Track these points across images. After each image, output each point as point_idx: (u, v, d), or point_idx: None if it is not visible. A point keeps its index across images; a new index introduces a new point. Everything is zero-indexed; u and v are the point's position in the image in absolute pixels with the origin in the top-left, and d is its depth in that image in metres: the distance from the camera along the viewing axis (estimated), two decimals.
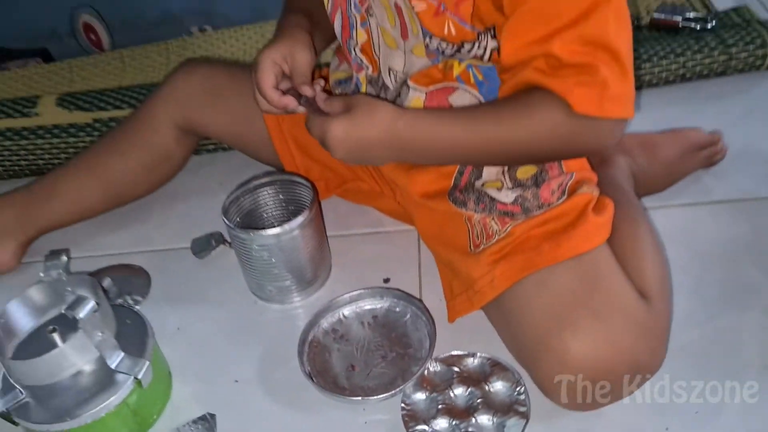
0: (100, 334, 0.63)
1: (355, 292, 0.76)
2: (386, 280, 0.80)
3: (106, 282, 0.82)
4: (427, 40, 0.67)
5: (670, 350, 0.65)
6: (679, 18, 1.04)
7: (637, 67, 0.96)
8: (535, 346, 0.61)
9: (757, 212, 0.81)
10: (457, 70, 0.69)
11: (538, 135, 0.63)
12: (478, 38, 0.65)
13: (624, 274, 0.63)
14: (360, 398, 0.66)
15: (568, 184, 0.68)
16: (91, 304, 0.61)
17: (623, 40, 0.59)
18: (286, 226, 0.73)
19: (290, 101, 0.69)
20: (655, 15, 1.07)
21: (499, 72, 0.66)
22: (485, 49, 0.66)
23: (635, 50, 0.96)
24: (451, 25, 0.64)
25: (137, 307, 0.81)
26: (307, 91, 0.68)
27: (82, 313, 0.61)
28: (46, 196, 0.87)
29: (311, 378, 0.68)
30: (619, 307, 0.61)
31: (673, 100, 0.98)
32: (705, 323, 0.70)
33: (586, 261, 0.63)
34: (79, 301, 0.61)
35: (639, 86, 0.99)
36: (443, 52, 0.67)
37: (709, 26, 1.03)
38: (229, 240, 0.83)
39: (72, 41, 1.25)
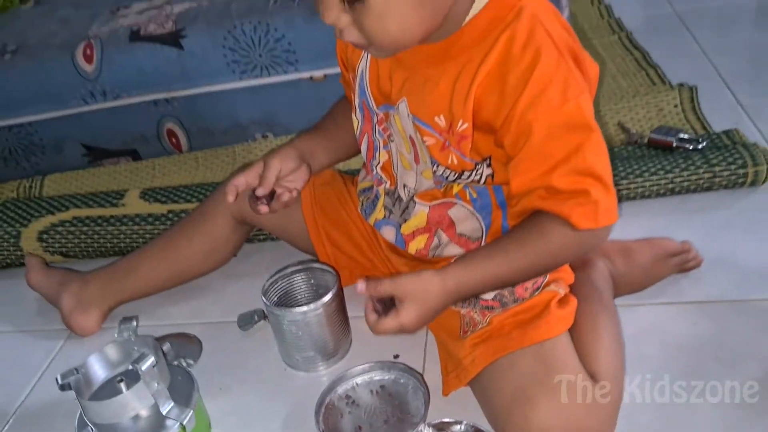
0: (156, 385, 0.80)
1: (367, 365, 0.90)
2: (396, 356, 0.94)
3: (166, 346, 0.99)
4: (434, 167, 0.82)
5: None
6: (672, 139, 1.19)
7: (631, 181, 1.12)
8: (504, 418, 0.75)
9: (723, 313, 0.92)
10: (456, 189, 0.85)
11: (554, 253, 0.77)
12: (476, 167, 0.80)
13: (578, 360, 0.77)
14: None
15: (542, 284, 0.83)
16: (151, 360, 0.78)
17: (603, 164, 0.74)
18: (312, 306, 0.90)
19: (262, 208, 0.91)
20: (652, 135, 1.21)
21: (506, 198, 0.81)
22: (481, 175, 0.81)
23: (631, 165, 1.12)
24: (453, 157, 0.79)
25: (189, 368, 0.98)
26: (259, 191, 0.90)
27: (144, 366, 0.78)
28: (125, 274, 1.06)
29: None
30: (572, 388, 0.74)
31: (662, 211, 1.11)
32: (664, 406, 0.81)
33: (547, 347, 0.77)
34: (142, 357, 0.78)
35: (633, 197, 1.13)
36: (447, 178, 0.82)
37: (699, 146, 1.16)
38: (267, 316, 0.99)
39: (157, 144, 1.48)
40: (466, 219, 0.86)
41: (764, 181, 1.11)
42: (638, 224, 1.05)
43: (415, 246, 0.89)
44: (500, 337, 0.79)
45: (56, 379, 0.79)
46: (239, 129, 1.45)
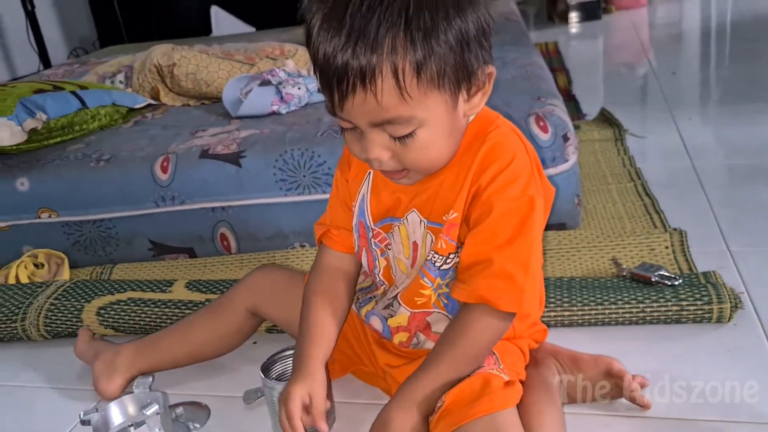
0: (157, 430, 0.97)
1: None
2: None
3: (179, 410, 1.16)
4: (430, 255, 0.97)
5: None
6: (652, 274, 1.31)
7: (606, 307, 1.24)
8: None
9: (667, 430, 1.01)
10: (432, 299, 1.02)
11: (487, 338, 0.95)
12: (457, 250, 0.96)
13: None
14: None
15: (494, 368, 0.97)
16: (155, 408, 0.96)
17: (537, 258, 0.93)
18: None
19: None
20: (635, 270, 1.34)
21: (458, 273, 0.96)
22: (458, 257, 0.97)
23: (608, 293, 1.25)
24: (443, 242, 0.96)
25: (195, 430, 1.14)
26: (323, 427, 0.95)
27: (148, 411, 0.95)
28: (150, 348, 1.25)
29: None
30: None
31: (632, 337, 1.22)
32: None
33: (497, 420, 0.89)
34: (149, 405, 0.96)
35: (607, 322, 1.25)
36: (434, 263, 0.98)
37: (675, 283, 1.28)
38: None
39: (211, 245, 1.72)
40: (440, 321, 1.02)
41: (729, 319, 1.21)
42: (609, 347, 1.15)
43: (399, 339, 1.05)
44: (453, 412, 0.91)
45: (79, 415, 0.98)
46: (281, 237, 1.67)
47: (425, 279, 1.00)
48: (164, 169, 1.67)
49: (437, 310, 1.02)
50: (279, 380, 1.11)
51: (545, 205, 0.95)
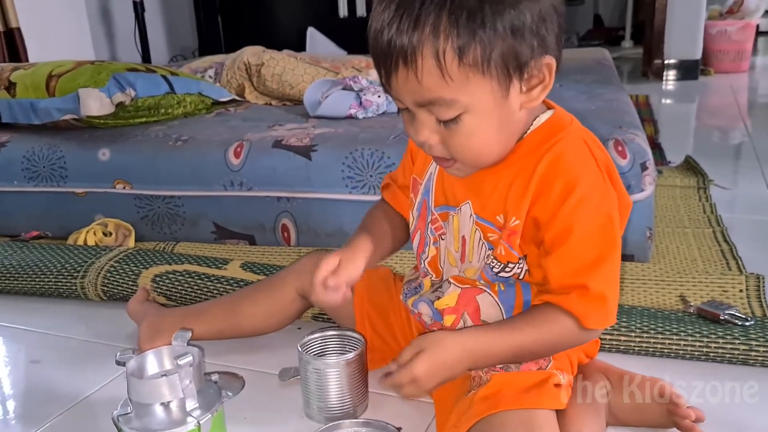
0: (188, 382, 0.96)
1: (361, 419, 1.01)
2: (398, 429, 1.03)
3: (215, 376, 1.15)
4: (487, 258, 0.94)
5: None
6: (721, 312, 1.23)
7: (667, 337, 1.17)
8: None
9: None
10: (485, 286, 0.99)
11: (562, 342, 0.92)
12: (518, 262, 0.93)
13: None
14: None
15: (546, 366, 0.93)
16: (189, 358, 0.95)
17: (617, 277, 0.90)
18: (338, 360, 1.04)
19: (332, 296, 0.98)
20: (702, 306, 1.27)
21: (536, 284, 0.93)
22: (521, 269, 0.92)
23: (671, 324, 1.18)
24: (503, 248, 0.93)
25: (227, 398, 1.13)
26: (336, 297, 0.98)
27: (182, 361, 0.94)
28: (195, 316, 1.25)
29: None
30: None
31: (691, 372, 1.14)
32: None
33: (537, 417, 0.84)
34: (183, 355, 0.95)
35: (668, 354, 1.18)
36: (492, 268, 0.95)
37: (747, 324, 1.20)
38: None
39: (272, 234, 1.73)
40: (490, 307, 0.98)
41: None
42: (667, 379, 1.09)
43: (447, 322, 1.01)
44: (496, 396, 0.87)
45: (116, 355, 0.98)
46: (341, 234, 1.67)
47: (481, 280, 0.97)
48: (237, 155, 1.71)
49: (488, 291, 0.97)
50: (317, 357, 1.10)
51: (621, 217, 0.91)
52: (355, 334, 1.11)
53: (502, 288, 0.97)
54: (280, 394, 1.15)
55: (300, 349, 1.07)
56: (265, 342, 1.30)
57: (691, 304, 1.32)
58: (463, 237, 0.98)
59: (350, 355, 1.05)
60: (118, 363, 0.98)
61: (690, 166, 2.25)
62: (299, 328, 1.35)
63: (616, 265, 0.89)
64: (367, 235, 1.06)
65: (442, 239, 1.01)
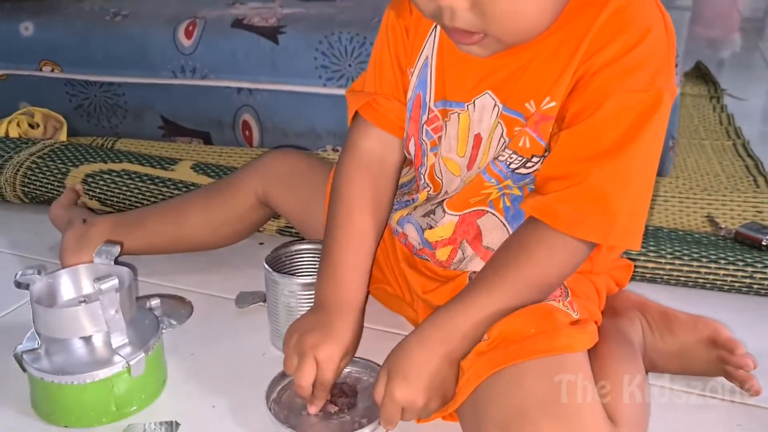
0: (113, 312, 0.73)
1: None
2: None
3: (155, 301, 0.94)
4: (502, 155, 0.73)
5: None
6: (763, 237, 1.04)
7: (703, 265, 0.98)
8: None
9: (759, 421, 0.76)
10: (493, 196, 0.76)
11: (559, 266, 0.70)
12: (544, 153, 0.71)
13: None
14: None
15: (563, 301, 0.72)
16: (113, 282, 0.72)
17: (646, 177, 0.67)
18: (314, 278, 0.82)
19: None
20: (741, 229, 1.07)
21: (537, 182, 0.71)
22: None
23: (708, 250, 0.98)
24: (527, 140, 0.71)
25: (171, 327, 0.91)
26: (312, 409, 0.74)
27: (104, 286, 0.71)
28: (131, 225, 1.01)
29: (272, 411, 0.74)
30: (583, 420, 0.60)
31: (733, 307, 0.96)
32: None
33: (561, 367, 0.64)
34: (105, 277, 0.72)
35: (704, 285, 0.99)
36: (509, 165, 0.73)
37: None
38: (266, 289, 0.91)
39: (230, 132, 1.48)
40: (494, 229, 0.77)
41: None
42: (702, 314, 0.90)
43: (440, 255, 0.81)
44: (508, 347, 0.66)
45: (15, 275, 0.75)
46: (313, 135, 1.43)
47: (490, 179, 0.75)
48: (188, 35, 1.43)
49: (492, 211, 0.77)
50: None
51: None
52: None
53: (509, 204, 0.76)
54: (237, 324, 0.94)
55: (267, 265, 0.85)
56: (219, 259, 1.08)
57: (722, 226, 1.13)
58: (477, 136, 0.75)
59: None
60: (19, 285, 0.75)
61: (700, 73, 2.03)
62: (261, 244, 1.13)
63: (640, 164, 0.67)
64: (357, 270, 0.79)
65: (440, 144, 0.78)
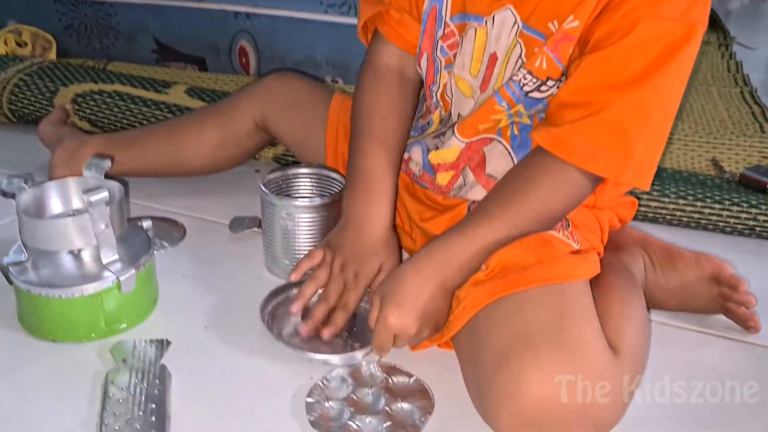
0: (103, 226, 0.71)
1: None
2: None
3: (147, 222, 0.90)
4: (518, 75, 0.70)
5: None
6: (767, 180, 1.02)
7: (707, 205, 0.96)
8: (495, 364, 0.59)
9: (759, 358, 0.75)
10: (502, 123, 0.74)
11: (563, 198, 0.68)
12: (561, 79, 0.68)
13: (599, 323, 0.62)
14: (293, 348, 0.70)
15: (563, 231, 0.70)
16: (104, 194, 0.69)
17: (667, 113, 0.64)
18: (315, 201, 0.81)
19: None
20: (746, 171, 1.05)
21: (549, 111, 0.68)
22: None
23: (712, 192, 0.96)
24: (544, 60, 0.68)
25: (162, 249, 0.89)
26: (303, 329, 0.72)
27: (94, 198, 0.69)
28: (125, 145, 0.98)
29: (266, 324, 0.73)
30: (584, 348, 0.59)
31: (736, 249, 0.94)
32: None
33: (564, 293, 0.63)
34: (96, 190, 0.69)
35: (706, 226, 0.98)
36: (522, 86, 0.70)
37: None
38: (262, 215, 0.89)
39: (227, 59, 1.43)
40: (499, 157, 0.75)
41: None
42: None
43: (441, 180, 0.78)
44: (506, 276, 0.65)
45: (0, 183, 0.72)
46: (312, 64, 1.39)
47: (502, 102, 0.72)
48: None
49: (499, 139, 0.74)
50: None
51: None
52: (333, 173, 0.87)
53: (516, 132, 0.73)
54: (231, 249, 0.92)
55: (264, 188, 0.83)
56: (213, 184, 1.05)
57: (726, 170, 1.11)
58: (493, 55, 0.72)
59: (330, 197, 0.81)
60: (5, 194, 0.72)
61: (710, 20, 1.98)
62: (257, 171, 1.10)
63: (664, 97, 0.64)
64: (383, 193, 0.76)
65: (455, 60, 0.75)
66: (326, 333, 0.71)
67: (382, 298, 0.67)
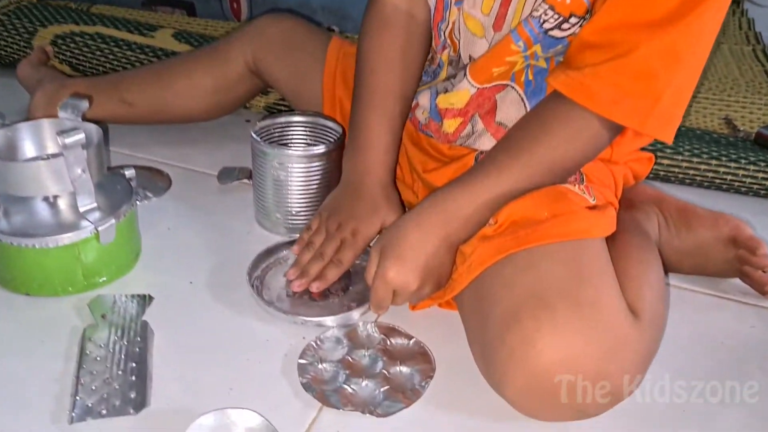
0: (80, 171, 0.65)
1: None
2: None
3: (130, 171, 0.85)
4: (532, 14, 0.64)
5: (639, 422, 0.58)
6: None
7: (722, 164, 0.91)
8: (505, 324, 0.54)
9: None
10: (517, 67, 0.68)
11: (581, 147, 0.63)
12: (585, 17, 0.62)
13: (617, 284, 0.58)
14: (280, 311, 0.66)
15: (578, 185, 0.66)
16: (80, 136, 0.64)
17: (699, 58, 0.59)
18: (310, 150, 0.75)
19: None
20: (761, 129, 1.00)
21: (570, 53, 0.63)
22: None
23: (728, 150, 0.91)
24: None
25: (146, 200, 0.84)
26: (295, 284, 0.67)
27: (69, 140, 0.63)
28: (108, 89, 0.92)
29: (255, 289, 0.68)
30: (604, 309, 0.54)
31: (751, 210, 0.90)
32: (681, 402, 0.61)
33: (580, 250, 0.58)
34: (71, 131, 0.64)
35: (720, 186, 0.93)
36: (542, 23, 0.64)
37: None
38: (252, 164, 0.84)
39: (216, 4, 1.36)
40: (511, 104, 0.70)
41: None
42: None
43: (448, 126, 0.73)
44: (518, 231, 0.60)
45: None
46: (307, 11, 1.32)
47: (518, 41, 0.66)
48: None
49: (513, 85, 0.69)
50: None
51: None
52: (329, 122, 0.81)
53: (531, 77, 0.68)
54: (219, 201, 0.86)
55: (255, 135, 0.77)
56: (201, 134, 1.00)
57: (740, 129, 1.06)
58: None
59: (325, 146, 0.76)
60: None
61: None
62: (248, 121, 1.05)
63: (696, 39, 0.58)
64: (387, 139, 0.72)
65: None
66: (314, 286, 0.67)
67: (381, 251, 0.62)
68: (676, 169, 0.93)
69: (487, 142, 0.71)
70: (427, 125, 0.75)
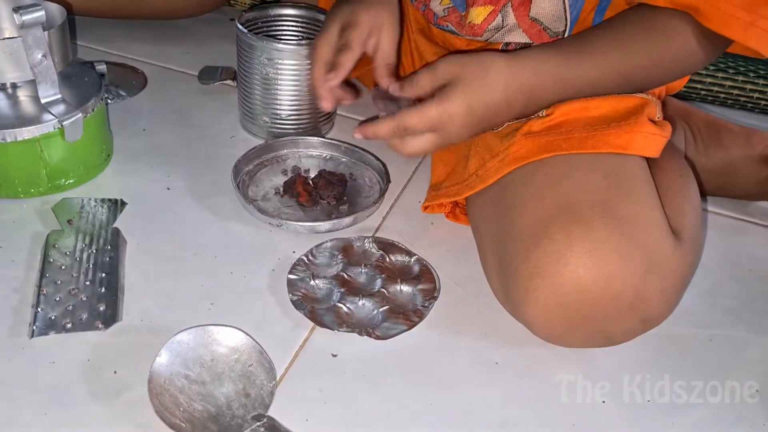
0: (40, 56, 0.57)
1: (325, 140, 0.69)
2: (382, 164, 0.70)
3: (102, 66, 0.76)
4: None
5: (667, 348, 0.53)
6: None
7: (742, 85, 0.84)
8: (533, 237, 0.48)
9: None
10: None
11: (673, 60, 0.54)
12: None
13: (659, 200, 0.51)
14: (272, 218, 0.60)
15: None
16: (40, 13, 0.55)
17: None
18: (302, 44, 0.66)
19: (343, 95, 0.61)
20: None
21: None
22: None
23: (758, 69, 0.84)
24: None
25: (119, 100, 0.76)
26: (385, 82, 0.58)
27: (27, 17, 0.55)
28: None
29: (239, 189, 0.62)
30: (645, 228, 0.48)
31: None
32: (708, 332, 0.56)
33: (620, 164, 0.51)
34: (30, 8, 0.55)
35: (743, 106, 0.86)
36: None
37: None
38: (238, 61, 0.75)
39: None
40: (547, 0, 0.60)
41: None
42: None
43: (474, 16, 0.63)
44: (563, 134, 0.52)
45: None
46: None
47: None
48: None
49: None
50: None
51: None
52: (324, 17, 0.72)
53: None
54: (200, 102, 0.78)
55: (241, 26, 0.68)
56: (181, 31, 0.91)
57: None
58: None
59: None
60: None
61: None
62: (232, 20, 0.95)
63: None
64: None
65: None
66: (332, 76, 0.59)
67: (453, 80, 0.52)
68: (699, 86, 0.86)
69: (517, 39, 0.62)
70: (445, 18, 0.66)
